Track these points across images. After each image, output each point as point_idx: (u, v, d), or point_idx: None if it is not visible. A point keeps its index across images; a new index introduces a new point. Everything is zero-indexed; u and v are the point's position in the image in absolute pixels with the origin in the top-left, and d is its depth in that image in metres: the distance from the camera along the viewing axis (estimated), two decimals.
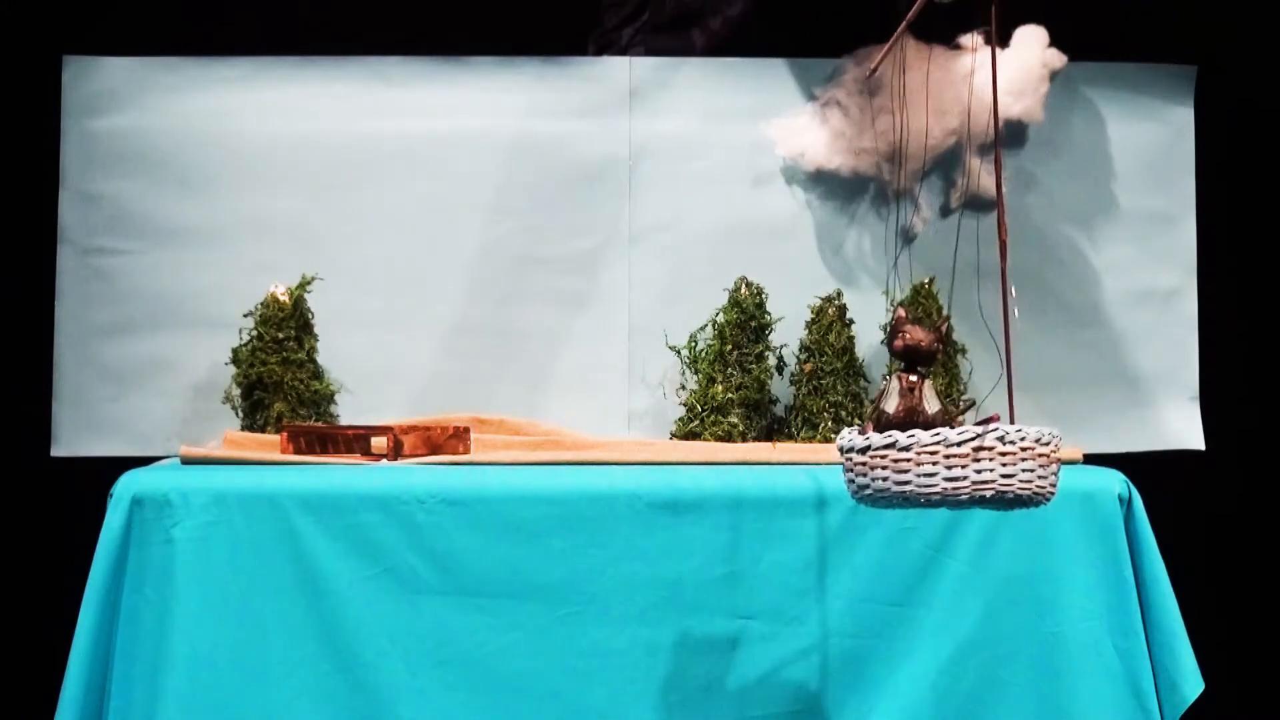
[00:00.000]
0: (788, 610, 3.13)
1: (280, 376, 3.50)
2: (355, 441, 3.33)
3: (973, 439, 2.54)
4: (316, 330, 3.59)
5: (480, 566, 3.11)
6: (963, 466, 2.54)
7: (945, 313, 3.45)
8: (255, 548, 3.08)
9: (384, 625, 3.08)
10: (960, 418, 2.73)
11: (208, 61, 3.73)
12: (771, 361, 3.58)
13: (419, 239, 3.75)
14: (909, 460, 2.55)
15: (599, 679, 3.10)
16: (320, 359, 3.59)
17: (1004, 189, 3.79)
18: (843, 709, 3.12)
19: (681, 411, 3.59)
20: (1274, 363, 3.97)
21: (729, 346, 3.54)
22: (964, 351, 3.62)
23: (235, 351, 3.54)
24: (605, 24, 3.81)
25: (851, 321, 3.61)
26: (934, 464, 2.54)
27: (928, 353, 2.75)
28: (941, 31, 3.69)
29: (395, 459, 3.30)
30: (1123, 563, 3.15)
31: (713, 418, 3.52)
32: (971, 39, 3.69)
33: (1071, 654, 3.12)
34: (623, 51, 3.80)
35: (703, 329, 3.59)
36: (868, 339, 3.66)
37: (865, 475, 2.60)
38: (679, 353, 3.62)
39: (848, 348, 3.58)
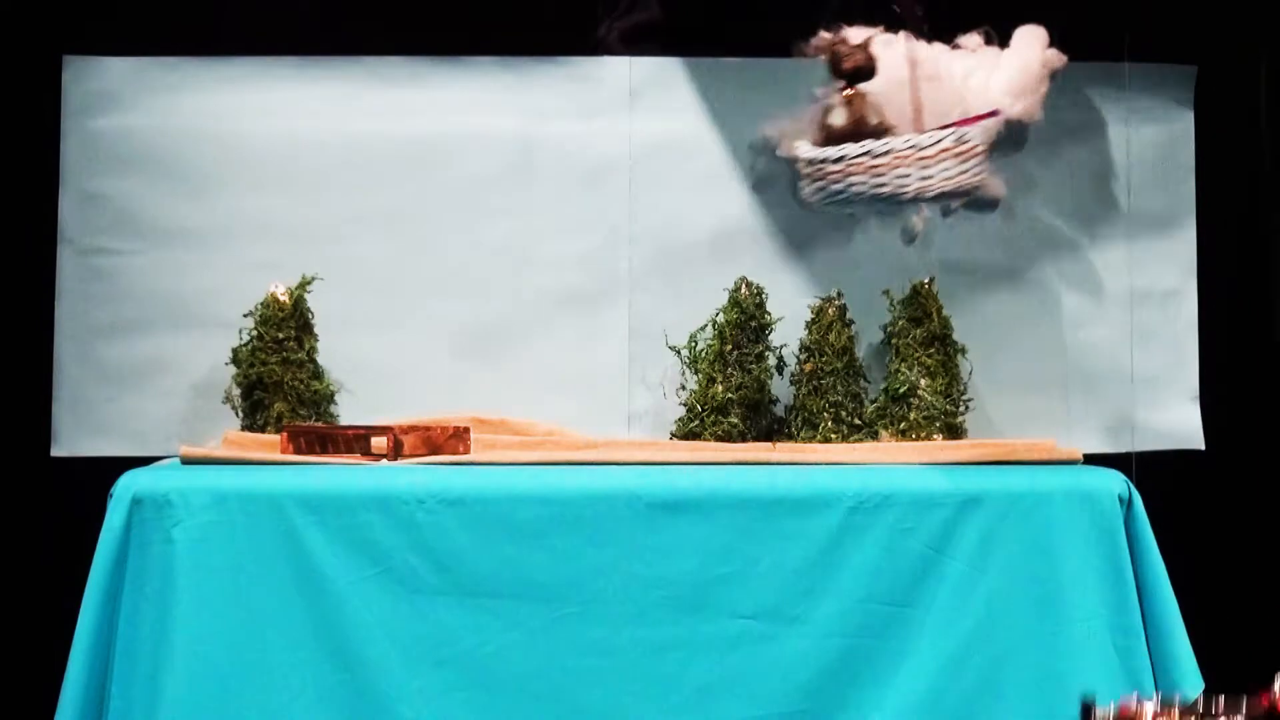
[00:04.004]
0: (788, 610, 3.13)
1: (280, 376, 3.50)
2: (355, 441, 3.33)
3: (938, 141, 2.93)
4: (316, 330, 3.59)
5: (480, 566, 3.11)
6: (931, 165, 2.92)
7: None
8: (255, 548, 3.08)
9: (384, 625, 3.08)
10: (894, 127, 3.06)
11: (208, 61, 3.73)
12: (771, 361, 3.58)
13: (419, 239, 3.75)
14: (881, 166, 2.90)
15: (599, 679, 3.10)
16: (320, 359, 3.59)
17: (1004, 189, 3.80)
18: (843, 709, 3.12)
19: (681, 411, 3.59)
20: (1274, 363, 3.96)
21: (729, 346, 3.54)
22: (964, 351, 3.62)
23: (235, 351, 3.54)
24: (609, 21, 3.81)
25: (851, 322, 3.61)
26: (905, 167, 2.89)
27: (869, 69, 3.08)
28: (942, 31, 3.69)
29: (395, 459, 3.30)
30: (1123, 563, 3.15)
31: (713, 418, 3.52)
32: (970, 39, 3.70)
33: (1071, 654, 3.12)
34: (626, 50, 3.79)
35: (703, 329, 3.59)
36: (868, 339, 3.66)
37: (840, 180, 2.92)
38: (679, 353, 3.62)
39: (848, 348, 3.58)
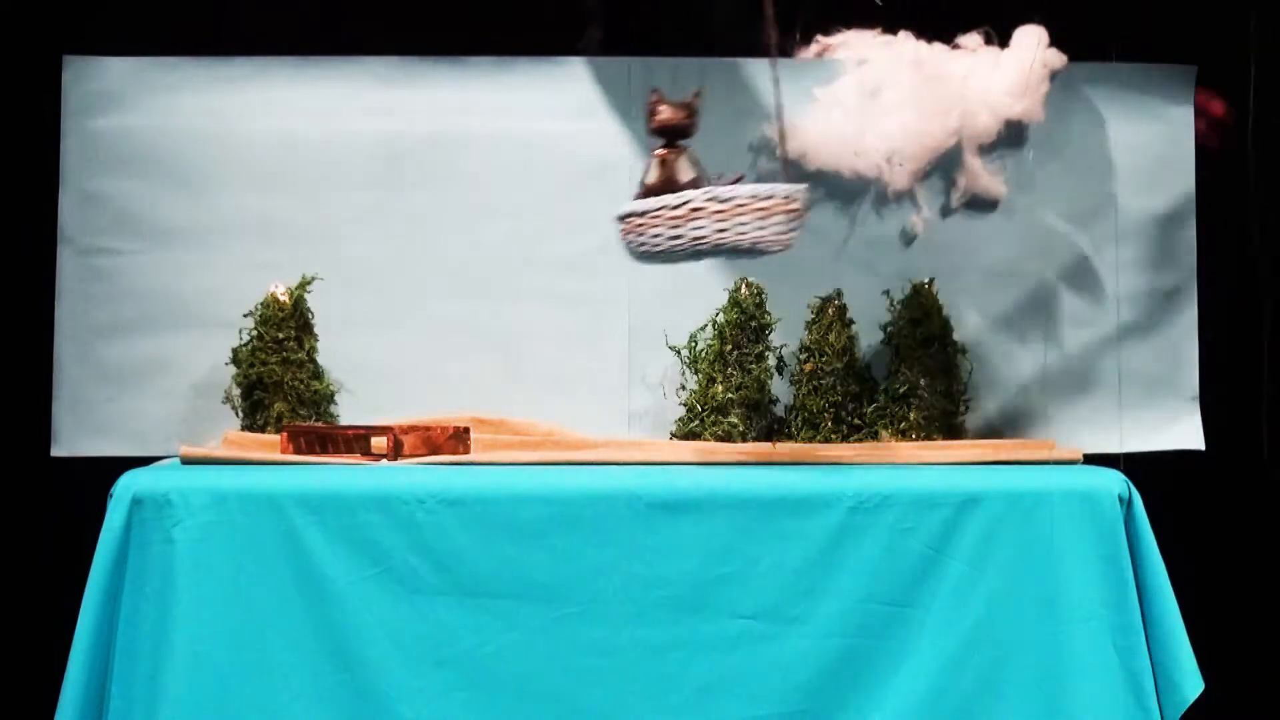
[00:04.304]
0: (788, 610, 3.13)
1: (280, 376, 3.50)
2: (355, 441, 3.33)
3: (687, 201, 2.95)
4: (316, 330, 3.59)
5: (480, 566, 3.11)
6: (681, 225, 2.95)
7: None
8: (255, 548, 3.08)
9: (384, 625, 3.08)
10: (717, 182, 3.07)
11: (208, 61, 3.73)
12: (771, 361, 3.58)
13: (418, 239, 3.76)
14: (644, 225, 2.98)
15: (599, 679, 3.10)
16: (320, 359, 3.59)
17: (1004, 189, 3.81)
18: (843, 709, 3.11)
19: (681, 411, 3.59)
20: (1274, 363, 3.97)
21: (729, 346, 3.54)
22: (964, 351, 3.62)
23: (235, 351, 3.54)
24: (605, 23, 3.81)
25: (852, 322, 3.61)
26: (658, 226, 2.96)
27: (682, 127, 3.10)
28: (941, 31, 3.69)
29: (395, 459, 3.30)
30: (1123, 563, 3.15)
31: (713, 418, 3.52)
32: (970, 39, 3.70)
33: (1071, 654, 3.11)
34: (623, 51, 3.80)
35: (703, 329, 3.59)
36: (868, 339, 3.66)
37: (625, 238, 3.04)
38: (679, 353, 3.62)
39: (848, 348, 3.58)
